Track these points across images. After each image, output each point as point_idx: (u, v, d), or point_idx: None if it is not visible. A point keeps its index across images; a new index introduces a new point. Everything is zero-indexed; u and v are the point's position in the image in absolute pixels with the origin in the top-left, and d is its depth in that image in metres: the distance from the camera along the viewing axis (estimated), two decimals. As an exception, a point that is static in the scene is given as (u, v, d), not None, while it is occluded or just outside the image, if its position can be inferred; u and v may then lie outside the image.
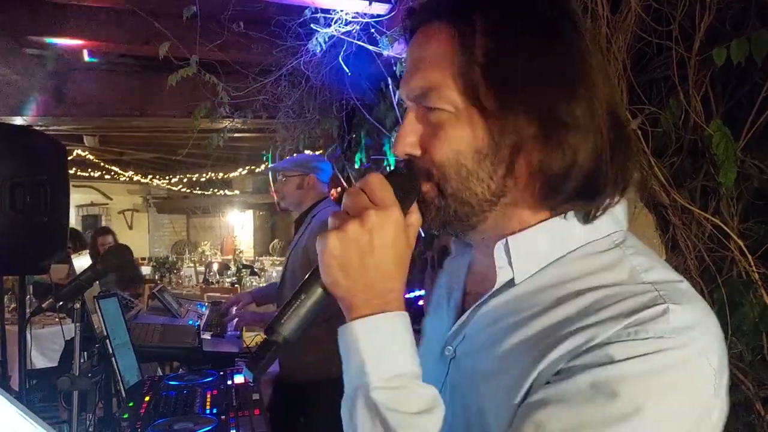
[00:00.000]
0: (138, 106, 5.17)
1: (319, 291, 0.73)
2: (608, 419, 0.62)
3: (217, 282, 8.81)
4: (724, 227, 1.81)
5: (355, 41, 3.07)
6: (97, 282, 1.79)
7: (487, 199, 0.75)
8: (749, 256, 1.76)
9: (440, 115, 0.74)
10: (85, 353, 1.62)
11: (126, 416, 1.89)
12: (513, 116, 0.71)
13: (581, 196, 0.73)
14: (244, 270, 9.17)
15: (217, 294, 7.37)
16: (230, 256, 13.01)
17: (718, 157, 1.78)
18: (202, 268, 10.66)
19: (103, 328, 1.60)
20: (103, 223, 15.00)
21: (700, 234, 1.94)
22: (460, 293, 0.88)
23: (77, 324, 1.53)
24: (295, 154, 3.91)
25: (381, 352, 0.70)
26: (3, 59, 3.98)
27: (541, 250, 0.76)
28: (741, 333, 1.90)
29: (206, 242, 14.37)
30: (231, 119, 3.93)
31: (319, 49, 3.36)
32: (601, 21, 1.85)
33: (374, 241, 0.70)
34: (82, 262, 2.63)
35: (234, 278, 8.80)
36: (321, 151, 4.62)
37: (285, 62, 3.57)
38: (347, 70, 3.27)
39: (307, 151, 4.79)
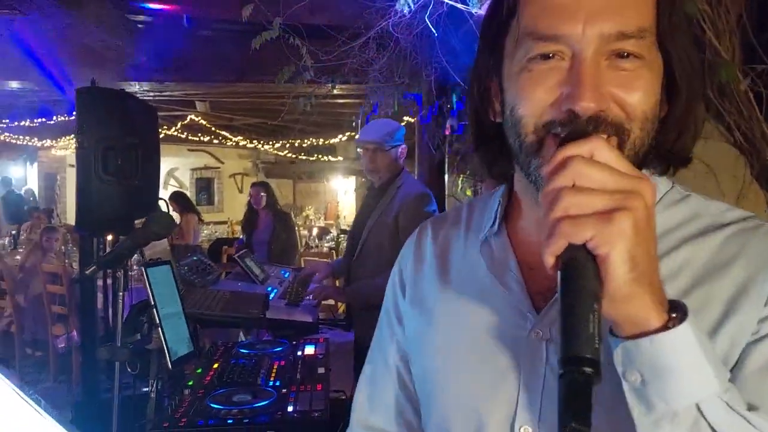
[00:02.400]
0: (236, 71, 5.24)
1: (588, 298, 0.55)
2: None
3: (316, 246, 8.96)
4: None
5: (445, 0, 2.90)
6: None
7: (646, 154, 0.71)
8: None
9: (638, 63, 0.67)
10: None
11: (191, 383, 1.90)
12: (667, 75, 0.71)
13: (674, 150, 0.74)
14: (342, 235, 9.27)
15: (315, 258, 7.49)
16: (333, 221, 13.23)
17: None
18: (305, 232, 10.90)
19: (151, 297, 1.58)
20: (215, 186, 15.66)
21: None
22: (515, 268, 0.80)
23: (121, 293, 1.53)
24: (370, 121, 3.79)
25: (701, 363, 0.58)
26: (107, 26, 4.12)
27: None
28: None
29: (311, 207, 14.67)
30: (319, 84, 3.87)
31: (407, 9, 3.22)
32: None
33: (652, 226, 0.58)
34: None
35: (332, 243, 8.92)
36: (408, 119, 4.50)
37: (373, 24, 3.46)
38: (434, 32, 3.11)
39: (402, 121, 4.68)
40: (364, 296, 2.92)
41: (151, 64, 5.06)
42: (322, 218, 14.05)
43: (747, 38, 1.80)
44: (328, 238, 9.57)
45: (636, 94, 0.67)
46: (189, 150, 14.15)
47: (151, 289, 1.57)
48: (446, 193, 4.57)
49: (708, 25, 1.64)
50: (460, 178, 4.34)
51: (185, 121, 10.23)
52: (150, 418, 1.69)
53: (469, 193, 4.45)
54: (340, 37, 3.59)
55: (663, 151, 0.74)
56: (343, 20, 3.66)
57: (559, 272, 0.56)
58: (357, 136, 3.35)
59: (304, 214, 14.10)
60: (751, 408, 0.59)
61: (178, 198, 6.97)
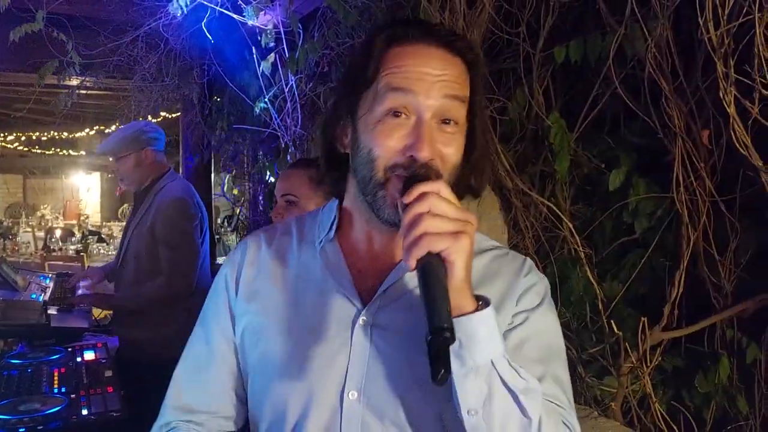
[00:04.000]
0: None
1: (443, 287, 0.80)
2: None
3: (60, 249, 8.25)
4: (557, 210, 2.01)
5: (219, 8, 2.99)
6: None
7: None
8: (577, 237, 1.97)
9: (455, 128, 0.94)
10: None
11: (-36, 398, 1.79)
12: (469, 139, 0.98)
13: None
14: (90, 237, 8.66)
15: (60, 262, 6.92)
16: (74, 221, 12.21)
17: (554, 146, 1.97)
18: (41, 234, 9.92)
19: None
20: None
21: (537, 215, 2.14)
22: (346, 268, 1.03)
23: None
24: (110, 129, 3.74)
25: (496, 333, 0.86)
26: None
27: None
28: (569, 303, 2.13)
29: (46, 205, 13.36)
30: (81, 78, 3.68)
31: (180, 12, 3.24)
32: (459, 15, 1.96)
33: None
34: None
35: (79, 245, 8.29)
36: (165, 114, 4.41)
37: (142, 23, 3.41)
38: (210, 37, 3.18)
39: (161, 116, 4.61)
40: (129, 305, 2.89)
41: None
42: (61, 218, 12.87)
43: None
44: (73, 240, 8.85)
45: (451, 150, 0.94)
46: None
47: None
48: (212, 192, 4.62)
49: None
50: (227, 178, 4.42)
51: None
52: None
53: (236, 192, 4.56)
54: (102, 31, 3.47)
55: (462, 187, 1.00)
56: (105, 14, 3.53)
57: (418, 271, 0.81)
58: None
59: (38, 213, 12.78)
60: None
61: None
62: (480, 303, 0.85)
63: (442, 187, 0.84)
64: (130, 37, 3.37)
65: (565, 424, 0.92)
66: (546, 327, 1.01)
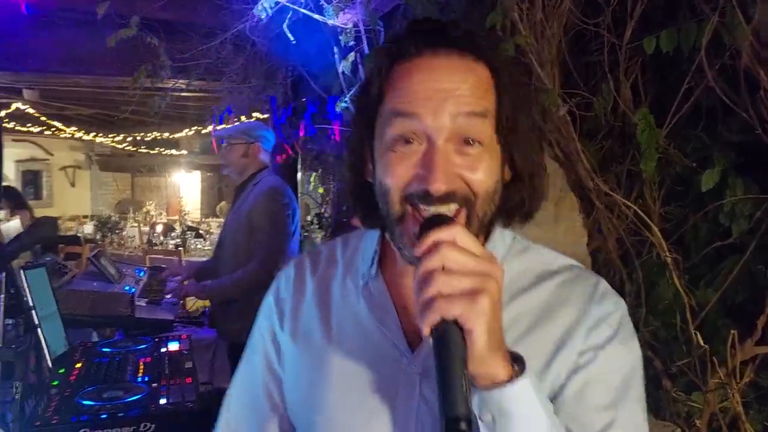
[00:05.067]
0: (80, 62, 4.98)
1: (460, 364, 0.68)
2: None
3: (161, 244, 8.67)
4: (641, 214, 1.89)
5: (301, 9, 3.03)
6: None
7: (492, 218, 0.87)
8: (663, 242, 1.85)
9: (480, 149, 0.82)
10: (12, 321, 1.60)
11: (56, 383, 1.89)
12: (508, 155, 0.87)
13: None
14: (189, 232, 9.05)
15: (160, 256, 7.27)
16: (176, 217, 12.81)
17: (641, 144, 1.86)
18: (146, 229, 10.47)
19: (30, 298, 1.58)
20: (44, 180, 14.54)
21: (622, 217, 2.02)
22: (393, 311, 0.92)
23: (2, 296, 1.52)
24: (237, 121, 3.87)
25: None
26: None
27: (497, 254, 0.89)
28: (656, 312, 2.00)
29: (151, 202, 14.08)
30: (174, 80, 3.84)
31: (264, 14, 3.31)
32: (537, 6, 1.88)
33: (501, 300, 0.72)
34: (11, 226, 2.55)
35: (178, 240, 8.69)
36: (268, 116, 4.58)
37: (230, 26, 3.50)
38: (291, 38, 3.23)
39: (253, 117, 4.73)
40: (222, 292, 3.01)
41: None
42: (164, 214, 13.54)
43: (566, 65, 2.12)
44: (173, 235, 9.28)
45: (479, 174, 0.82)
46: (14, 140, 13.01)
47: (29, 291, 1.56)
48: (299, 191, 4.70)
49: (534, 56, 1.92)
50: (313, 177, 4.49)
51: (10, 110, 9.43)
52: (15, 418, 1.68)
53: (321, 191, 4.62)
54: (194, 35, 3.60)
55: (508, 210, 0.90)
56: (197, 18, 3.66)
57: (432, 339, 0.69)
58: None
59: (144, 209, 13.50)
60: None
61: (9, 193, 6.44)
62: (516, 368, 0.73)
63: (458, 233, 0.72)
64: (219, 40, 3.47)
65: None
66: (618, 365, 0.87)
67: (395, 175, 0.83)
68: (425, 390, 0.86)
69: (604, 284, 0.93)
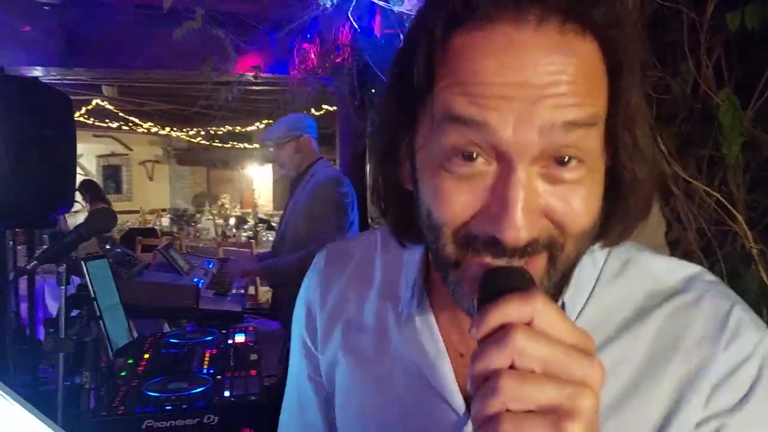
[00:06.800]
0: (154, 58, 5.13)
1: None
2: None
3: (234, 236, 8.89)
4: (725, 202, 1.77)
5: (366, -3, 3.00)
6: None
7: (578, 260, 0.62)
8: (749, 232, 1.71)
9: (580, 172, 0.55)
10: (77, 312, 1.64)
11: (124, 374, 1.93)
12: (612, 165, 0.60)
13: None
14: (260, 224, 9.23)
15: (234, 248, 7.45)
16: (249, 210, 13.12)
17: (724, 127, 1.72)
18: (220, 221, 10.76)
19: (91, 290, 1.61)
20: (124, 174, 15.15)
21: (704, 206, 1.89)
22: (445, 359, 0.71)
23: (63, 287, 1.55)
24: (306, 112, 3.88)
25: None
26: (14, 9, 3.96)
27: (584, 282, 0.68)
28: (742, 306, 1.87)
29: (226, 195, 14.46)
30: (241, 73, 3.89)
31: (329, 3, 3.30)
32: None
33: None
34: (79, 219, 2.64)
35: (250, 232, 8.88)
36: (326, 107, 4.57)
37: (296, 16, 3.51)
38: (356, 26, 3.20)
39: (322, 109, 4.74)
40: (277, 272, 3.05)
41: (60, 48, 4.89)
42: (239, 207, 13.89)
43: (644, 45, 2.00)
44: (246, 227, 9.50)
45: (575, 209, 0.56)
46: (95, 136, 13.62)
47: (90, 283, 1.59)
48: (367, 182, 4.69)
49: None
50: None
51: (90, 106, 9.85)
52: (85, 408, 1.72)
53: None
54: (261, 27, 3.63)
55: (602, 230, 0.62)
56: (263, 9, 3.69)
57: None
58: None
59: (219, 202, 13.89)
60: None
61: (88, 187, 6.72)
62: None
63: (537, 308, 0.47)
64: (286, 30, 3.48)
65: None
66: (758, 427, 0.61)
67: (450, 208, 0.57)
68: None
69: (739, 311, 0.64)
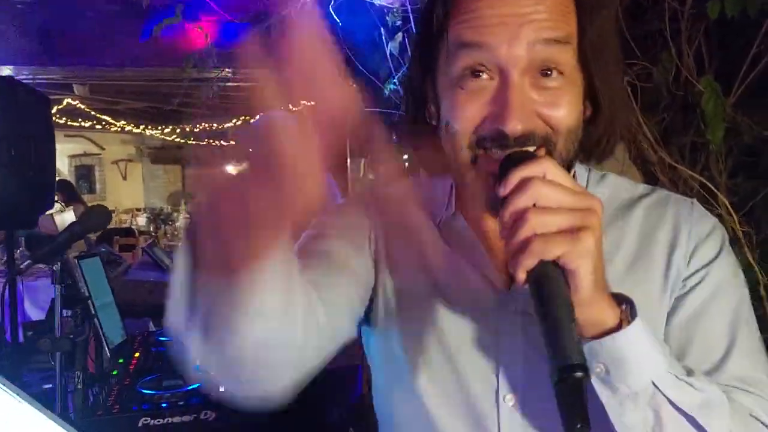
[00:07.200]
0: (128, 55, 5.06)
1: (567, 309, 0.61)
2: None
3: (212, 233, 8.81)
4: (710, 185, 1.81)
5: (345, -10, 2.99)
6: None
7: (573, 158, 0.79)
8: (734, 215, 1.76)
9: (561, 81, 0.73)
10: (70, 312, 1.63)
11: (115, 372, 1.92)
12: (589, 86, 0.78)
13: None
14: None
15: (212, 245, 7.38)
16: (226, 207, 13.00)
17: (706, 114, 1.76)
18: (197, 219, 10.63)
19: (86, 288, 1.60)
20: (97, 174, 14.94)
21: (687, 191, 1.93)
22: (482, 248, 0.84)
23: (57, 285, 1.54)
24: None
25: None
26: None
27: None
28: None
29: (202, 193, 14.31)
30: (220, 69, 3.85)
31: (308, -3, 3.28)
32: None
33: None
34: (66, 218, 2.59)
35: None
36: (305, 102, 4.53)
37: (275, 11, 3.49)
38: (338, 20, 3.19)
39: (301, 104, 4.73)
40: None
41: (33, 47, 4.80)
42: (214, 204, 13.77)
43: (623, 35, 2.03)
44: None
45: (560, 111, 0.73)
46: (66, 136, 13.39)
47: (85, 281, 1.58)
48: (348, 177, 4.69)
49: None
50: (362, 163, 4.47)
51: (61, 105, 9.68)
52: (78, 408, 1.70)
53: (371, 177, 4.59)
54: (238, 22, 3.59)
55: (586, 147, 0.82)
56: (240, 4, 3.66)
57: (530, 286, 0.62)
58: None
59: (195, 201, 13.75)
60: (679, 357, 0.73)
61: (63, 187, 6.63)
62: (623, 308, 0.66)
63: (549, 167, 0.63)
64: (264, 26, 3.46)
65: (754, 417, 0.72)
66: (727, 283, 0.81)
67: (463, 115, 0.74)
68: (530, 330, 0.78)
69: (698, 204, 0.87)
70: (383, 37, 3.16)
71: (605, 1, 0.77)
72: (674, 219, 0.84)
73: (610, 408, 0.67)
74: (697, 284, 0.80)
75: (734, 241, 1.84)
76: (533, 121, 0.72)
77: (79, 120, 10.70)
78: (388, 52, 3.07)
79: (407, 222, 0.90)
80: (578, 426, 0.57)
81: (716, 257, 0.82)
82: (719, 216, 1.87)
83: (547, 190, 0.62)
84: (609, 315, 0.65)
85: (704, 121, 1.83)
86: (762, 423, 0.72)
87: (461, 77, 0.74)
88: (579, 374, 0.57)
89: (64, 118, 10.18)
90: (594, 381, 0.67)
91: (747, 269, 1.80)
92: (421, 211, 0.90)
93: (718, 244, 0.83)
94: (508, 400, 0.79)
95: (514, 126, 0.70)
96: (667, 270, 0.81)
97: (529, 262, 0.60)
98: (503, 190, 0.63)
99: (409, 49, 2.95)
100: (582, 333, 0.65)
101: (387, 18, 2.95)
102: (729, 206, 1.78)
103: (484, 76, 0.73)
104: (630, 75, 1.90)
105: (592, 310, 0.64)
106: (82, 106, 9.84)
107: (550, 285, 0.60)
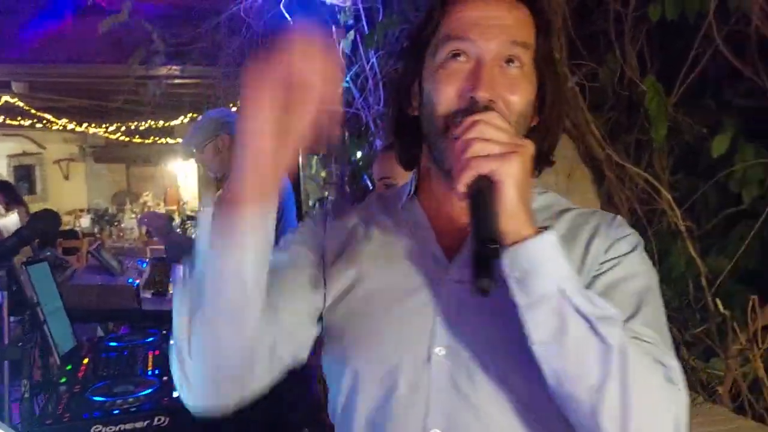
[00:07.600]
0: (69, 52, 4.91)
1: (492, 213, 0.76)
2: None
3: (161, 233, 8.63)
4: (655, 182, 1.87)
5: (296, -12, 2.97)
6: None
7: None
8: (676, 210, 1.82)
9: (520, 71, 0.91)
10: (17, 318, 1.58)
11: (64, 380, 1.86)
12: (539, 92, 0.95)
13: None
14: (189, 221, 9.02)
15: (161, 247, 7.24)
16: (174, 207, 12.77)
17: (650, 113, 1.82)
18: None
19: (34, 294, 1.55)
20: (37, 174, 14.46)
21: (633, 187, 2.00)
22: (429, 225, 0.99)
23: (4, 292, 1.48)
24: (234, 106, 3.80)
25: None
26: None
27: None
28: (670, 281, 1.98)
29: (148, 193, 14.02)
30: (168, 66, 3.79)
31: (258, -5, 3.25)
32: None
33: (529, 173, 0.81)
34: (8, 222, 2.50)
35: (179, 230, 8.65)
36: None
37: (224, 8, 3.44)
38: (289, 18, 3.17)
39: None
40: (180, 246, 2.94)
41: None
42: (163, 204, 13.49)
43: (570, 35, 2.08)
44: (174, 225, 9.24)
45: (516, 96, 0.90)
46: (4, 135, 12.90)
47: (33, 287, 1.53)
48: (301, 174, 4.66)
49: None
50: (314, 160, 4.44)
51: (-1, 103, 9.33)
52: (25, 417, 1.65)
53: (323, 174, 4.58)
54: (188, 19, 3.54)
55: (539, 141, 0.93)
56: (188, 1, 3.60)
57: (467, 198, 0.78)
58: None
59: (141, 200, 13.44)
60: None
61: (3, 189, 6.38)
62: (542, 228, 0.80)
63: (494, 116, 0.82)
64: (213, 23, 3.41)
65: (658, 361, 0.81)
66: (639, 271, 0.92)
67: (443, 88, 0.91)
68: (464, 296, 0.89)
69: (619, 217, 1.00)
70: (334, 36, 3.15)
71: (552, 29, 0.98)
72: (597, 222, 0.97)
73: (523, 311, 0.78)
74: (611, 268, 0.91)
75: (676, 234, 1.92)
76: (496, 98, 0.88)
77: (19, 118, 10.33)
78: (339, 51, 3.06)
79: (368, 216, 1.06)
80: (484, 279, 0.73)
81: (631, 252, 0.93)
82: (662, 211, 1.94)
83: (489, 129, 0.79)
84: (527, 228, 0.78)
85: (648, 120, 1.89)
86: (664, 365, 0.80)
87: (444, 61, 0.91)
88: (494, 245, 0.74)
89: (2, 117, 9.81)
90: (511, 286, 0.79)
91: (689, 261, 1.87)
92: (383, 210, 1.06)
93: (633, 244, 0.94)
94: (439, 351, 0.91)
95: (484, 94, 0.87)
96: (585, 256, 0.93)
97: (468, 174, 0.77)
98: (458, 131, 0.81)
99: (360, 47, 2.96)
100: (503, 241, 0.78)
101: (338, 16, 2.95)
102: (672, 201, 1.84)
103: (462, 58, 0.90)
104: (578, 75, 1.94)
105: (512, 220, 0.77)
106: (22, 104, 9.50)
107: (481, 194, 0.77)
